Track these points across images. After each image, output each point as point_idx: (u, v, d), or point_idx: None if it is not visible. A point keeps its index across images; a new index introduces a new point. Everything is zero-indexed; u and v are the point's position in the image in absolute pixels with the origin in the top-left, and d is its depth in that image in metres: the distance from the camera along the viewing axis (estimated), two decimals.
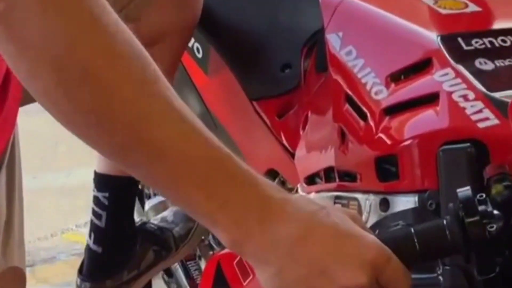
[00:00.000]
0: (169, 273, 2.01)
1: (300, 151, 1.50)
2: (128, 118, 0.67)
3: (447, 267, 1.02)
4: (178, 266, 1.97)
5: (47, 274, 2.96)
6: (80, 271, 1.76)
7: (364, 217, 1.23)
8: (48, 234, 3.09)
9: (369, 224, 1.21)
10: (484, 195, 0.86)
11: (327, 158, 1.37)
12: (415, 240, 0.89)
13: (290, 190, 1.55)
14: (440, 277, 1.05)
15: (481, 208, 0.84)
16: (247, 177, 0.77)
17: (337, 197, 1.32)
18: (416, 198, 1.10)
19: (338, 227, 0.76)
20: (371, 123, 1.16)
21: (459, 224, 0.88)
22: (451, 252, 0.92)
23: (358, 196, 1.26)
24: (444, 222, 0.89)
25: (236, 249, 0.79)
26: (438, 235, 0.89)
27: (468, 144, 1.03)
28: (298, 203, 0.77)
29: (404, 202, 1.12)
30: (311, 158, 1.46)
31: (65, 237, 3.12)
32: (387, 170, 1.15)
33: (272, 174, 1.63)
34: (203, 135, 0.73)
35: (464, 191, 0.90)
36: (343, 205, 1.29)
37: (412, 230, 0.90)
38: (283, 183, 1.63)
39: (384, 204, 1.15)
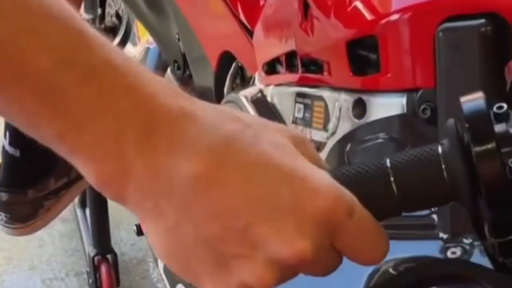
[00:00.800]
0: None
1: (259, 30, 1.20)
2: None
3: None
4: None
5: None
6: None
7: (331, 126, 0.94)
8: None
9: (337, 136, 0.92)
10: (504, 107, 0.57)
11: (289, 40, 1.07)
12: (392, 180, 0.58)
13: (249, 80, 1.24)
14: (434, 216, 0.80)
15: (498, 128, 0.57)
16: (122, 74, 0.51)
17: (298, 95, 1.02)
18: (404, 100, 0.85)
19: (269, 159, 0.53)
20: None
21: (462, 153, 0.57)
22: (448, 200, 0.60)
23: (325, 94, 0.96)
24: (439, 149, 0.58)
25: (110, 193, 0.53)
26: (429, 172, 0.58)
27: (483, 20, 0.78)
28: (207, 120, 0.53)
29: (386, 106, 0.87)
30: (272, 39, 1.17)
31: None
32: (363, 58, 0.90)
33: (227, 59, 1.34)
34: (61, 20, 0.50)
35: (473, 99, 0.58)
36: (305, 106, 0.98)
37: (388, 162, 0.59)
38: (241, 70, 1.29)
39: (359, 108, 0.90)
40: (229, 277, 0.53)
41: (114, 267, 2.03)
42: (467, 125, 0.57)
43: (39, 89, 0.48)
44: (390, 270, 0.78)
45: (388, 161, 0.59)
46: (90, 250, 2.03)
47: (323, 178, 0.54)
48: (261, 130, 0.54)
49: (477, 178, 0.57)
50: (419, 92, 0.84)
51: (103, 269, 2.01)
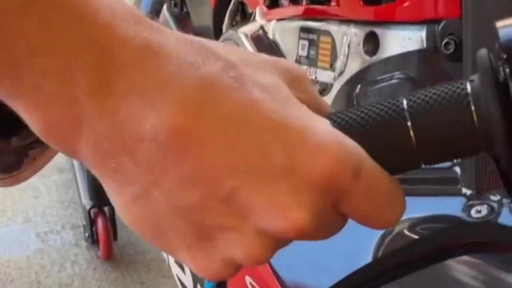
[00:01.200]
0: None
1: None
2: None
3: None
4: None
5: None
6: None
7: (339, 64, 0.83)
8: None
9: (345, 76, 0.78)
10: None
11: None
12: (409, 125, 0.47)
13: (249, 16, 1.13)
14: (457, 168, 0.70)
15: None
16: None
17: (302, 30, 0.91)
18: (423, 33, 0.74)
19: (257, 108, 0.43)
20: None
21: (497, 92, 0.47)
22: (477, 150, 0.49)
23: (332, 28, 0.86)
24: (468, 88, 0.47)
25: (58, 146, 0.43)
26: (455, 116, 0.47)
27: None
28: (181, 58, 0.43)
29: (403, 40, 0.75)
30: None
31: None
32: None
33: None
34: None
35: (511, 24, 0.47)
36: (310, 42, 0.87)
37: (405, 103, 0.47)
38: (241, 6, 1.19)
39: (371, 43, 0.79)
40: (212, 251, 0.44)
41: (111, 220, 1.94)
42: (505, 56, 0.47)
43: None
44: (406, 231, 0.67)
45: (404, 101, 0.48)
46: (86, 202, 1.94)
47: (323, 129, 0.44)
48: (248, 69, 0.44)
49: None
50: (441, 23, 0.73)
51: (100, 222, 1.93)
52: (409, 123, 0.47)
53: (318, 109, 0.46)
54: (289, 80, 0.46)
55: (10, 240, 2.09)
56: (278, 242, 0.44)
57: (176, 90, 0.42)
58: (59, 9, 0.41)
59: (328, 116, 0.47)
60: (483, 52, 0.48)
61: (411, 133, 0.47)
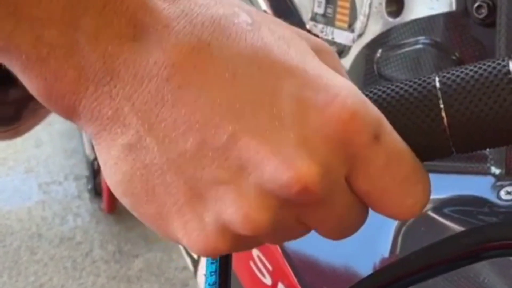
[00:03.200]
0: None
1: None
2: None
3: None
4: None
5: None
6: None
7: (358, 25, 0.76)
8: None
9: (365, 38, 0.73)
10: None
11: None
12: (442, 107, 0.42)
13: None
14: (490, 165, 0.63)
15: None
16: None
17: None
18: None
19: (269, 52, 0.39)
20: None
21: None
22: None
23: None
24: (510, 66, 0.42)
25: (55, 103, 0.41)
26: (495, 99, 0.42)
27: None
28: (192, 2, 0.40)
29: (430, 1, 0.69)
30: None
31: None
32: None
33: None
34: None
35: None
36: (328, 2, 0.78)
37: (437, 81, 0.43)
38: None
39: (395, 2, 0.72)
40: (204, 212, 0.40)
41: None
42: None
43: None
44: (430, 213, 0.62)
45: (437, 79, 0.42)
46: (90, 153, 1.89)
47: (344, 82, 0.39)
48: (266, 20, 0.41)
49: None
50: None
51: None
52: (441, 105, 0.42)
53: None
54: (313, 47, 0.42)
55: (11, 191, 2.06)
56: (280, 203, 0.38)
57: (184, 25, 0.39)
58: None
59: None
60: None
61: (443, 114, 0.42)
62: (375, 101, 0.42)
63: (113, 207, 1.94)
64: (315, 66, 0.39)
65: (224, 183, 0.38)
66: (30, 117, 1.39)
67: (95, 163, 1.88)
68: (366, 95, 0.42)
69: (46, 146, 2.22)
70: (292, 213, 0.38)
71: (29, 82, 0.41)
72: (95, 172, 1.89)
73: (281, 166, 0.37)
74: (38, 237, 1.94)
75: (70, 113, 0.41)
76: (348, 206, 0.39)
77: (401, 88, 0.43)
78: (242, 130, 0.39)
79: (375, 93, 0.43)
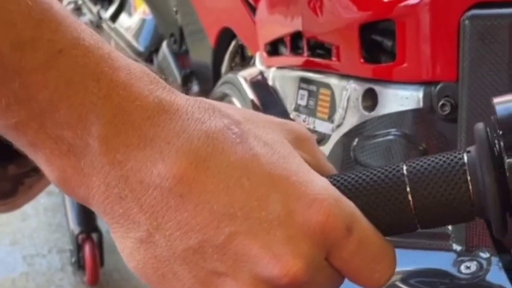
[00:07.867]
0: None
1: (263, 7, 1.12)
2: None
3: None
4: None
5: None
6: None
7: (337, 117, 0.86)
8: None
9: (343, 129, 0.82)
10: None
11: (294, 19, 0.99)
12: (408, 190, 0.49)
13: (249, 59, 1.16)
14: (452, 242, 0.72)
15: None
16: (93, 59, 0.45)
17: (302, 80, 0.93)
18: (420, 93, 0.78)
19: (257, 161, 0.47)
20: None
21: (492, 164, 0.49)
22: (472, 217, 0.51)
23: (332, 81, 0.89)
24: (465, 158, 0.50)
25: (70, 193, 0.47)
26: (452, 184, 0.50)
27: None
28: (188, 114, 0.47)
29: (400, 99, 0.79)
30: (276, 17, 1.10)
31: None
32: (377, 44, 0.82)
33: (227, 35, 1.25)
34: None
35: (508, 101, 0.50)
36: (310, 93, 0.89)
37: (405, 169, 0.50)
38: (241, 49, 1.22)
39: (370, 99, 0.82)
40: None
41: (99, 246, 1.95)
42: (500, 132, 0.49)
43: None
44: (398, 283, 0.70)
45: (404, 167, 0.50)
46: (74, 228, 1.95)
47: (320, 185, 0.47)
48: (252, 127, 0.47)
49: (508, 194, 0.48)
50: (439, 86, 0.76)
51: (87, 248, 1.93)
52: (408, 188, 0.50)
53: (321, 170, 0.49)
54: (294, 140, 0.49)
55: None
56: None
57: (182, 142, 0.45)
58: (80, 67, 0.44)
59: (329, 176, 0.50)
60: (480, 125, 0.51)
61: (410, 197, 0.50)
62: (352, 185, 0.50)
63: (96, 280, 1.98)
64: (297, 171, 0.47)
65: (223, 274, 0.45)
66: (26, 192, 1.47)
67: (79, 237, 1.93)
68: (344, 179, 0.51)
69: (31, 220, 2.27)
70: None
71: (51, 172, 0.46)
72: (79, 246, 1.94)
73: (272, 261, 0.45)
74: None
75: (85, 203, 0.47)
76: (327, 277, 0.47)
77: (375, 174, 0.51)
78: (237, 231, 0.45)
79: (352, 178, 0.51)
